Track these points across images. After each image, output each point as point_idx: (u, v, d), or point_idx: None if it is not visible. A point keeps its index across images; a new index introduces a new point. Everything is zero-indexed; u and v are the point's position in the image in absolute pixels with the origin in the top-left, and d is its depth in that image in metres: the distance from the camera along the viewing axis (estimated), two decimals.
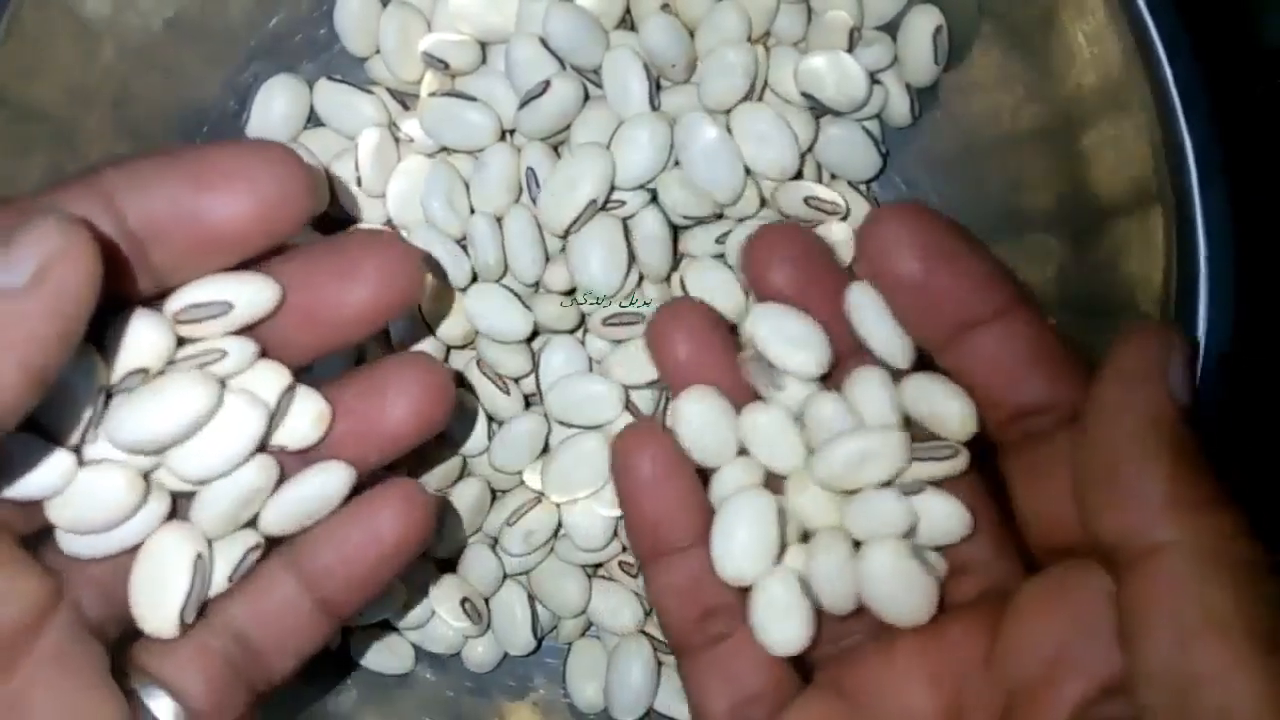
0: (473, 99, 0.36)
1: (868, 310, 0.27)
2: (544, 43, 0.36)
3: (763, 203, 0.36)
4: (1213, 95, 0.30)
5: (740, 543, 0.26)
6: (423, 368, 0.27)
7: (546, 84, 0.35)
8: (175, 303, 0.25)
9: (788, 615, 0.26)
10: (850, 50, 0.36)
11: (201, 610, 0.26)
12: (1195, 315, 0.30)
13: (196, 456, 0.25)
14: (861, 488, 0.26)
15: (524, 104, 0.36)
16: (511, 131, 0.37)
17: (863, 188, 0.38)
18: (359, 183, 0.37)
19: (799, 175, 0.36)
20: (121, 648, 0.25)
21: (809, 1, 0.37)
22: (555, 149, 0.37)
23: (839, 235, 0.36)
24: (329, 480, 0.26)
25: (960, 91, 0.37)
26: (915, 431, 0.27)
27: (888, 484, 0.26)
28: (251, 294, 0.25)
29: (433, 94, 0.37)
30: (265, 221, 0.24)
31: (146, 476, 0.25)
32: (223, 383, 0.25)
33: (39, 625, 0.23)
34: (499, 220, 0.36)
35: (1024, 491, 0.26)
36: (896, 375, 0.27)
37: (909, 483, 0.26)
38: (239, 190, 0.24)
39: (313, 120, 0.38)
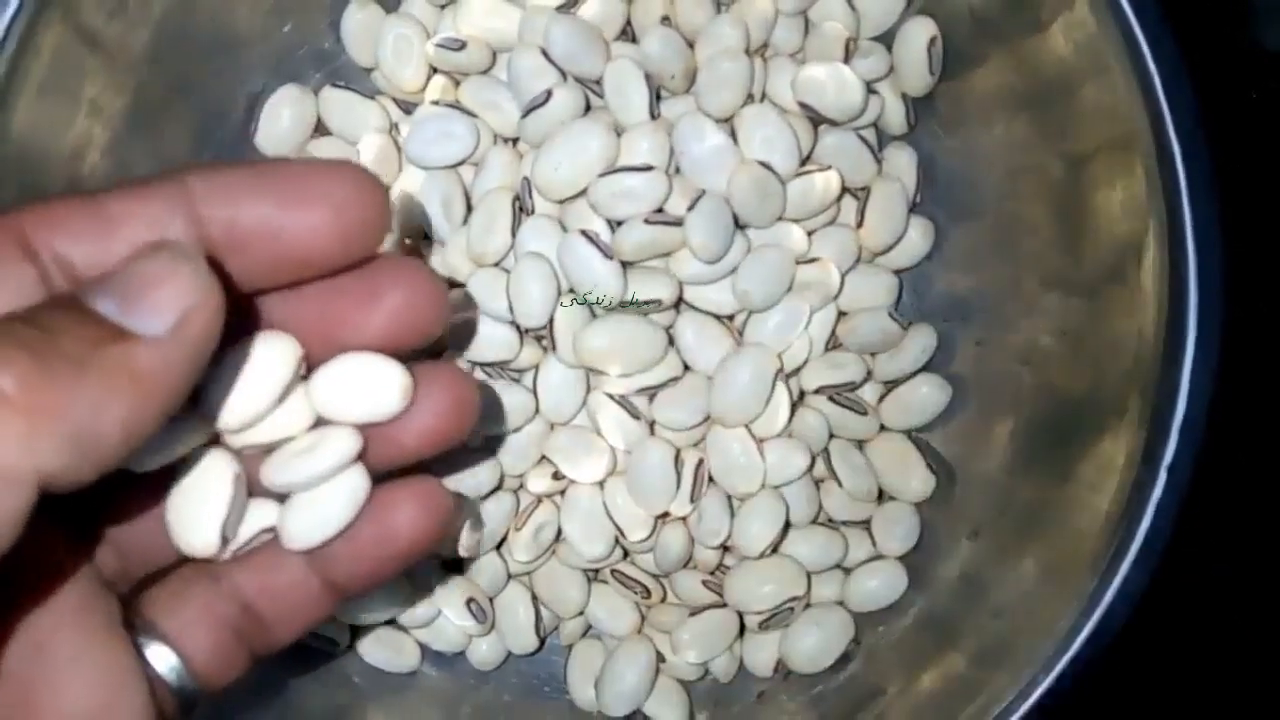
0: (465, 111, 0.37)
1: None
2: (545, 53, 0.36)
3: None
4: (1202, 104, 0.31)
5: None
6: (451, 378, 0.26)
7: (548, 93, 0.36)
8: None
9: None
10: (846, 61, 0.37)
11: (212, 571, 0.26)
12: (1185, 319, 0.31)
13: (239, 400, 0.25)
14: None
15: (526, 113, 0.36)
16: (515, 140, 0.38)
17: (859, 194, 0.38)
18: None
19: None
20: (130, 603, 0.26)
21: (806, 13, 0.37)
22: None
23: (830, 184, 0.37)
24: (344, 487, 0.26)
25: (955, 101, 0.38)
26: None
27: None
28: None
29: (435, 102, 0.38)
30: (343, 242, 0.24)
31: None
32: None
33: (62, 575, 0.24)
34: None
35: None
36: None
37: None
38: (322, 210, 0.24)
39: (320, 131, 0.39)
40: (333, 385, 0.25)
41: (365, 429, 0.25)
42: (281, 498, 0.26)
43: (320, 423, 0.26)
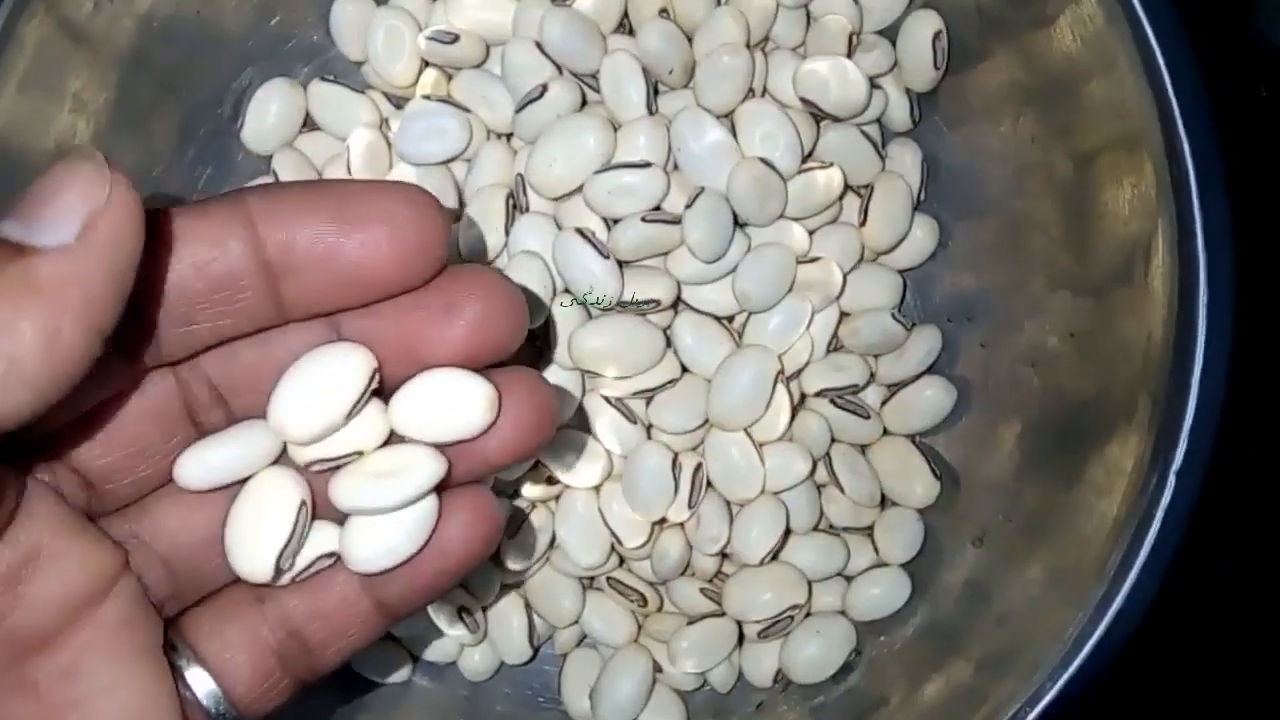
0: (457, 105, 0.36)
1: None
2: (540, 47, 0.36)
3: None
4: (1212, 101, 0.30)
5: None
6: (530, 386, 0.25)
7: (544, 88, 0.35)
8: None
9: None
10: (849, 55, 0.36)
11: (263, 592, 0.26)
12: (1195, 321, 0.30)
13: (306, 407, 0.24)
14: None
15: (520, 108, 0.36)
16: (509, 136, 0.37)
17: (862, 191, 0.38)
18: None
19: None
20: (175, 623, 0.25)
21: (808, 6, 0.37)
22: None
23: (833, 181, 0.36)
24: (416, 510, 0.25)
25: (960, 96, 0.37)
26: None
27: None
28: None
29: (426, 97, 0.37)
30: (401, 266, 0.24)
31: None
32: None
33: (102, 593, 0.23)
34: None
35: None
36: None
37: None
38: (379, 230, 0.23)
39: (309, 126, 0.38)
40: (415, 405, 0.24)
41: (446, 447, 0.24)
42: (343, 517, 0.25)
43: (392, 437, 0.25)
